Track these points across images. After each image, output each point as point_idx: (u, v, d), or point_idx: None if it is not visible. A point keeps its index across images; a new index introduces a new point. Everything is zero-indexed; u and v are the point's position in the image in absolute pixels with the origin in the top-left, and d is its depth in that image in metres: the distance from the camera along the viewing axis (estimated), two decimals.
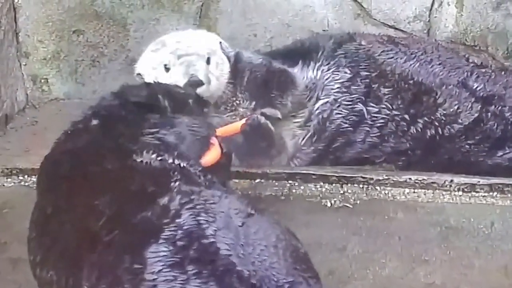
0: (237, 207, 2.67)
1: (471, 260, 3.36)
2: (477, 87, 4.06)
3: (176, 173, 2.84)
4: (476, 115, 4.02)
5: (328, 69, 4.08)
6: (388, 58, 4.11)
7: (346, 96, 4.05)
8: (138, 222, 2.55)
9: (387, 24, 4.64)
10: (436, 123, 4.02)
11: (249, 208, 2.69)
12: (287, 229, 2.72)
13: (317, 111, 4.06)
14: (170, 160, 2.93)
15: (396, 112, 4.03)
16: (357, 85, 4.05)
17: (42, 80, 4.86)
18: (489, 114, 4.02)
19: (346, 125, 4.05)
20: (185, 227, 2.50)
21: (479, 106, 4.02)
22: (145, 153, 2.91)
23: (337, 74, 4.07)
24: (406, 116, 4.03)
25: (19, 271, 3.23)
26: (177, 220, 2.52)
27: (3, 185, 3.97)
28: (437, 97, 4.03)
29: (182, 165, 2.94)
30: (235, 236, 2.51)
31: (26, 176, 3.95)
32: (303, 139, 4.07)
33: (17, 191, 3.87)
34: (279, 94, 4.00)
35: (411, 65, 4.09)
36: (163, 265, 2.42)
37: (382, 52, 4.13)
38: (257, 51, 4.48)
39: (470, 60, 4.18)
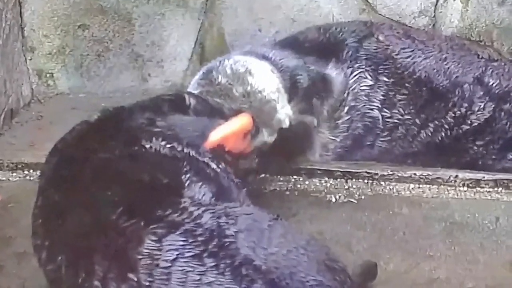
0: (262, 210, 2.70)
1: (476, 256, 3.37)
2: (493, 83, 4.02)
3: (186, 163, 2.86)
4: (489, 114, 3.99)
5: (352, 73, 4.03)
6: (406, 58, 4.05)
7: (365, 102, 4.02)
8: (158, 216, 2.58)
9: (392, 20, 4.62)
10: (446, 126, 4.00)
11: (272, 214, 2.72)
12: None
13: (345, 118, 4.03)
14: (180, 148, 2.94)
15: (407, 117, 4.01)
16: (376, 91, 4.02)
17: (48, 75, 4.86)
18: (503, 113, 3.99)
19: (360, 130, 4.03)
20: (206, 226, 2.54)
21: (493, 105, 3.99)
22: (154, 140, 2.92)
23: (360, 79, 4.03)
24: (417, 121, 4.00)
25: (24, 265, 3.24)
26: (198, 221, 2.56)
27: (9, 180, 3.98)
28: (450, 100, 4.00)
29: (191, 154, 2.95)
30: (258, 240, 2.53)
31: (31, 171, 3.95)
32: (329, 144, 4.05)
33: (22, 185, 3.88)
34: (319, 102, 3.97)
35: (428, 64, 4.04)
36: (179, 254, 2.47)
37: (400, 50, 4.08)
38: (280, 42, 4.26)
39: (480, 55, 4.16)
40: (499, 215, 3.64)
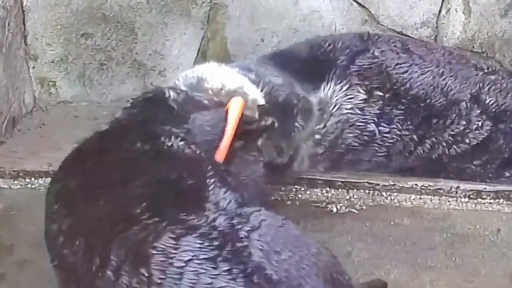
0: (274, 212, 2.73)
1: (477, 267, 3.36)
2: (490, 101, 4.00)
3: (210, 167, 2.88)
4: (487, 134, 3.97)
5: (341, 89, 4.01)
6: (403, 73, 4.04)
7: (359, 116, 4.01)
8: (180, 219, 2.59)
9: (395, 30, 4.63)
10: (444, 144, 3.98)
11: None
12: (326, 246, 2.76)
13: (330, 130, 4.01)
14: (199, 151, 2.96)
15: (405, 132, 3.99)
16: (371, 106, 4.01)
17: (50, 83, 4.87)
18: (499, 132, 3.98)
19: (357, 144, 4.01)
20: (220, 228, 2.55)
21: (490, 124, 3.97)
22: (173, 138, 2.95)
23: (351, 94, 4.02)
24: (415, 137, 3.98)
25: (26, 273, 3.24)
26: (213, 224, 2.57)
27: (10, 187, 3.98)
28: (448, 118, 3.98)
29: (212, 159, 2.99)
30: (272, 239, 2.54)
31: (33, 179, 3.96)
32: (317, 156, 4.04)
33: (24, 193, 3.88)
34: (302, 123, 3.92)
35: (424, 80, 4.03)
36: (194, 256, 2.47)
37: (396, 65, 4.07)
38: (275, 57, 4.22)
39: (479, 67, 4.15)
40: (500, 226, 3.64)
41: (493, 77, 4.09)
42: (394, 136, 4.00)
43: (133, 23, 4.77)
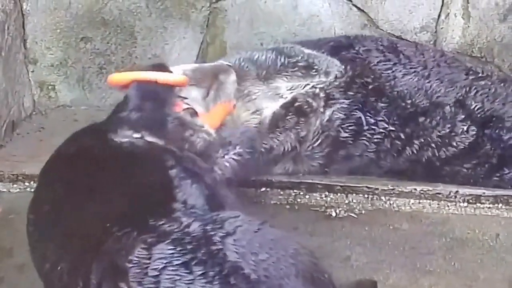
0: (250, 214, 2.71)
1: (476, 272, 3.37)
2: (475, 106, 3.98)
3: (169, 157, 2.87)
4: (472, 138, 3.95)
5: (325, 80, 4.01)
6: (386, 70, 4.04)
7: (344, 100, 3.98)
8: (150, 225, 2.58)
9: (394, 35, 4.63)
10: (433, 145, 3.96)
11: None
12: (305, 246, 2.73)
13: (320, 120, 4.00)
14: (150, 139, 2.96)
15: (392, 128, 3.96)
16: (353, 91, 3.98)
17: (49, 87, 4.87)
18: (486, 138, 3.95)
19: (346, 135, 3.97)
20: (193, 234, 2.53)
21: (476, 130, 3.95)
22: (119, 130, 2.95)
23: (333, 78, 4.00)
24: (402, 135, 3.96)
25: (25, 276, 3.24)
26: (186, 229, 2.55)
27: (9, 191, 3.99)
28: (433, 119, 3.97)
29: (169, 147, 2.97)
30: (248, 243, 2.52)
31: (32, 182, 3.96)
32: (309, 146, 4.03)
33: (23, 197, 3.87)
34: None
35: (409, 80, 4.02)
36: (167, 263, 2.46)
37: (379, 62, 4.07)
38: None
39: (472, 71, 4.14)
40: (499, 231, 3.65)
41: (482, 82, 4.07)
42: (381, 130, 3.96)
43: (133, 27, 4.78)
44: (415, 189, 3.87)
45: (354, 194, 3.88)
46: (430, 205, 3.84)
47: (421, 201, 3.85)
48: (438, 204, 3.84)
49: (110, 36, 4.79)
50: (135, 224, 2.58)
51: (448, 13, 4.66)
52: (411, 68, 4.08)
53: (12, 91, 4.58)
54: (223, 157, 3.27)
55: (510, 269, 3.39)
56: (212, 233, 2.53)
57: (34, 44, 4.80)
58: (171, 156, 2.92)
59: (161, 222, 2.58)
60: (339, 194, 3.88)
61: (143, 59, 4.79)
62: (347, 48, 4.16)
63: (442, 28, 4.67)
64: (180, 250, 2.48)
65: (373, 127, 3.96)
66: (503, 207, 3.81)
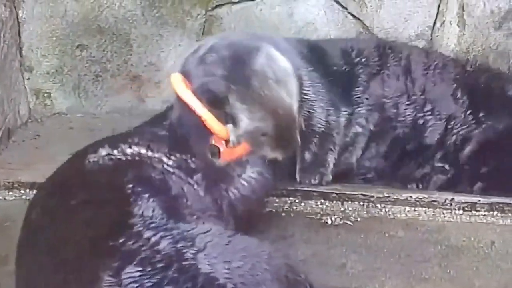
0: (220, 227, 2.69)
1: (471, 279, 3.36)
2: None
3: (128, 172, 2.83)
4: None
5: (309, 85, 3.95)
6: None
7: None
8: (112, 247, 2.52)
9: None
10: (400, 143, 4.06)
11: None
12: (278, 249, 2.73)
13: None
14: (117, 152, 2.95)
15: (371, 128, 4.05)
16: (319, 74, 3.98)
17: (45, 94, 4.87)
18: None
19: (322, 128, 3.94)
20: (163, 252, 2.48)
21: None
22: (100, 149, 2.94)
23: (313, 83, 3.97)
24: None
25: None
26: (155, 247, 2.50)
27: (5, 199, 3.98)
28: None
29: (134, 155, 2.95)
30: (219, 255, 2.49)
31: (27, 190, 3.96)
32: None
33: (18, 204, 3.87)
34: None
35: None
36: (138, 286, 2.39)
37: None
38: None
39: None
40: (495, 238, 3.64)
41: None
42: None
43: (128, 34, 4.78)
44: (411, 196, 3.87)
45: (350, 202, 3.87)
46: (425, 212, 3.84)
47: (416, 208, 3.85)
48: (433, 212, 3.84)
49: (106, 43, 4.80)
50: (97, 249, 2.52)
51: (444, 21, 4.67)
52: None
53: (8, 99, 4.58)
54: (240, 175, 3.27)
55: (505, 277, 3.38)
56: (184, 250, 2.49)
57: (30, 51, 4.80)
58: (131, 169, 2.86)
59: (121, 240, 2.51)
60: (334, 202, 3.88)
61: (138, 67, 4.80)
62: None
63: (437, 36, 4.68)
64: (150, 270, 2.42)
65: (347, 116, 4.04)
66: (499, 214, 3.81)
